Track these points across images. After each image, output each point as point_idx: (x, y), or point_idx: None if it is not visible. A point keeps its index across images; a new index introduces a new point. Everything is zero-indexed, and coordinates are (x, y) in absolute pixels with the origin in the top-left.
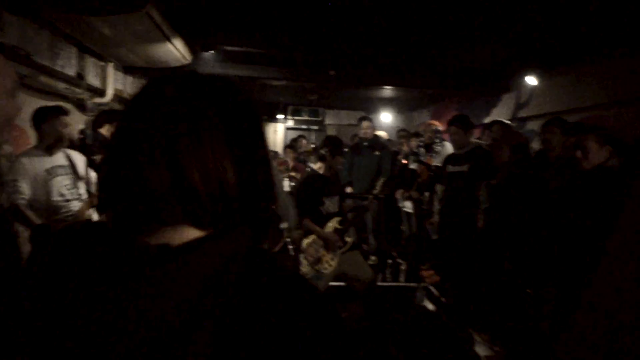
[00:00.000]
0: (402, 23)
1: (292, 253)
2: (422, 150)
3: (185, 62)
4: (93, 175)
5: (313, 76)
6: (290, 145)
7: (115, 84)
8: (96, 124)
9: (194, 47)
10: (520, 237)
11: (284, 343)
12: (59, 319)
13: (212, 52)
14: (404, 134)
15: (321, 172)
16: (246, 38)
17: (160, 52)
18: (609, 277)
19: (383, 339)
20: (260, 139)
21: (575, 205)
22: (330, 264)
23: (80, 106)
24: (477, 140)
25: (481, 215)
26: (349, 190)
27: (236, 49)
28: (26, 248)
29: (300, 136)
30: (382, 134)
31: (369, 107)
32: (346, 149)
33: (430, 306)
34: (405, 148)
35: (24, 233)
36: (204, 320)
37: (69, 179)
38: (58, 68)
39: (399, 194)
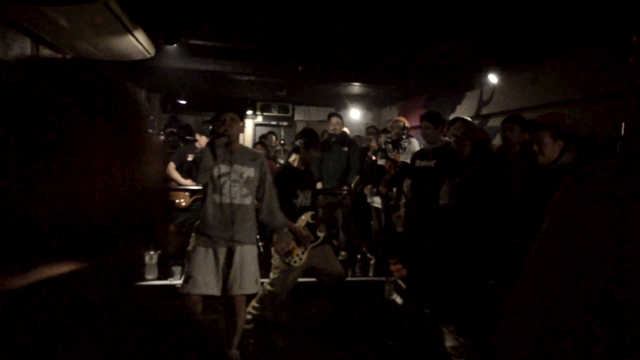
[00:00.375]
0: (369, 21)
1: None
2: (389, 146)
3: (148, 55)
4: None
5: (281, 71)
6: (260, 142)
7: None
8: None
9: (157, 40)
10: (483, 231)
11: None
12: None
13: (176, 45)
14: (372, 130)
15: (295, 164)
16: (211, 32)
17: (121, 44)
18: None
19: (351, 333)
20: (142, 153)
21: (533, 200)
22: (300, 257)
23: None
24: (447, 139)
25: (439, 210)
26: (319, 186)
27: (201, 42)
28: None
29: (270, 132)
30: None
31: (338, 104)
32: None
33: (398, 300)
34: (374, 144)
35: None
36: None
37: None
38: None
39: (367, 189)
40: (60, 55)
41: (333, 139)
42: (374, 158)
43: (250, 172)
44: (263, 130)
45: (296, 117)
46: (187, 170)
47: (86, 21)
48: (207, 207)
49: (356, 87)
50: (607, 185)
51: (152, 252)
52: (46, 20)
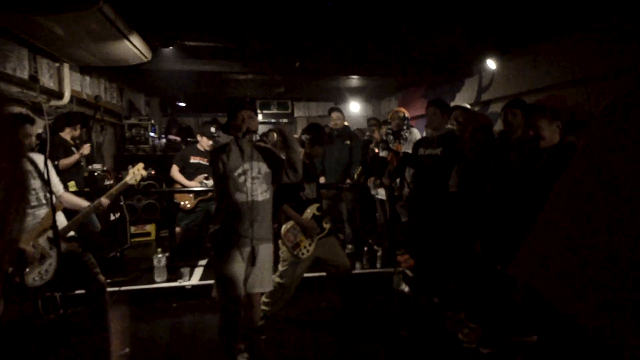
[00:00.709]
0: (364, 13)
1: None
2: (390, 137)
3: (145, 59)
4: (56, 180)
5: (278, 68)
6: (261, 139)
7: (73, 85)
8: (56, 127)
9: (153, 43)
10: (488, 216)
11: None
12: None
13: (173, 48)
14: (374, 122)
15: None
16: (206, 33)
17: (118, 50)
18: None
19: (362, 326)
20: None
21: (537, 183)
22: (308, 249)
23: (37, 110)
24: (450, 126)
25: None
26: (322, 180)
27: (197, 44)
28: None
29: (270, 130)
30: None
31: (337, 98)
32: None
33: (407, 290)
34: (377, 136)
35: None
36: None
37: (35, 184)
38: (9, 71)
39: (370, 182)
40: (57, 65)
41: (335, 133)
42: (376, 150)
43: (266, 167)
44: (263, 128)
45: (296, 114)
46: (213, 174)
47: (81, 28)
48: (229, 208)
49: (354, 80)
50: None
51: (160, 255)
52: (42, 29)
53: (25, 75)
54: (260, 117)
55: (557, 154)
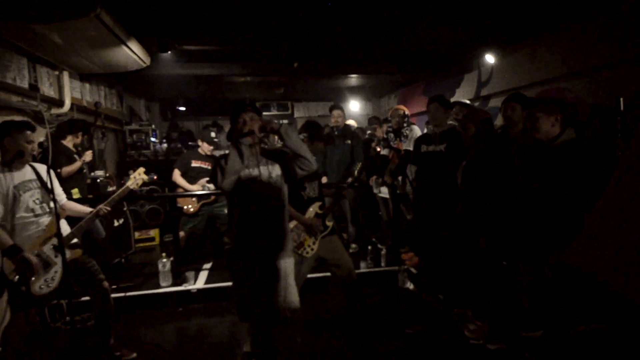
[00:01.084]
0: (361, 11)
1: None
2: (391, 135)
3: (144, 64)
4: (59, 189)
5: (277, 70)
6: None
7: (73, 92)
8: (58, 135)
9: (151, 48)
10: (492, 211)
11: None
12: None
13: (171, 52)
14: (375, 120)
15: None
16: (204, 36)
17: (117, 56)
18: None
19: (368, 325)
20: None
21: (539, 178)
22: (312, 247)
23: (38, 119)
24: (452, 122)
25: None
26: (324, 180)
27: (195, 48)
28: None
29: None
30: (351, 122)
31: (337, 97)
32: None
33: (412, 288)
34: (379, 134)
35: None
36: None
37: (38, 193)
38: (9, 81)
39: (372, 180)
40: (57, 73)
41: (336, 132)
42: (378, 149)
43: (277, 169)
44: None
45: (296, 114)
46: (211, 176)
47: (80, 36)
48: (240, 218)
49: (353, 79)
50: None
51: (164, 260)
52: (40, 38)
53: (25, 84)
54: None
55: (557, 147)
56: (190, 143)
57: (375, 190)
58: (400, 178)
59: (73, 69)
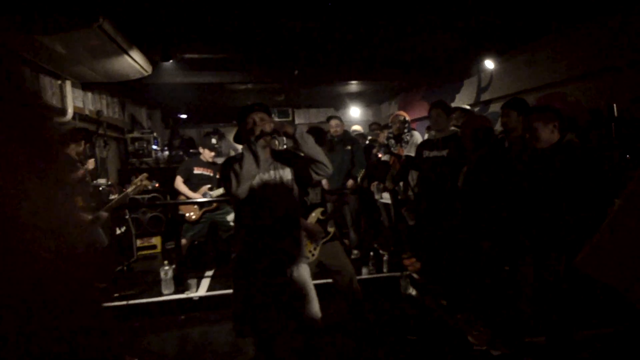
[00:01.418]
0: (361, 18)
1: None
2: (392, 141)
3: (145, 73)
4: None
5: (277, 77)
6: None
7: (75, 101)
8: (61, 144)
9: (153, 57)
10: (494, 216)
11: None
12: None
13: (172, 61)
14: (375, 126)
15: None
16: (205, 45)
17: (118, 65)
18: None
19: (370, 331)
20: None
21: (538, 183)
22: (313, 253)
23: None
24: (454, 128)
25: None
26: (325, 186)
27: (197, 56)
28: None
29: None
30: (357, 127)
31: (337, 103)
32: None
33: (415, 293)
34: (382, 139)
35: None
36: None
37: None
38: None
39: (374, 186)
40: (59, 82)
41: (335, 139)
42: (379, 155)
43: (288, 173)
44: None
45: (297, 121)
46: (221, 181)
47: (82, 45)
48: (249, 227)
49: (354, 85)
50: None
51: (166, 267)
52: (43, 48)
53: None
54: None
55: (556, 153)
56: (191, 150)
57: (376, 196)
58: (401, 184)
59: (75, 78)
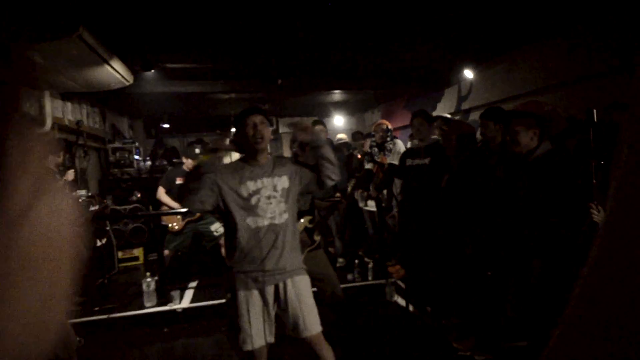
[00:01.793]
0: (344, 29)
1: None
2: (375, 149)
3: (127, 83)
4: None
5: (261, 86)
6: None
7: (54, 112)
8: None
9: (134, 67)
10: (476, 222)
11: None
12: None
13: (154, 71)
14: (359, 135)
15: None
16: (187, 55)
17: (99, 75)
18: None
19: (356, 339)
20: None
21: (519, 189)
22: None
23: None
24: (436, 136)
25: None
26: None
27: (178, 65)
28: None
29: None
30: (342, 136)
31: (321, 112)
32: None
33: (400, 301)
34: (366, 148)
35: None
36: None
37: None
38: None
39: (358, 194)
40: (37, 92)
41: None
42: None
43: (284, 182)
44: None
45: (281, 130)
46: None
47: (62, 55)
48: (239, 238)
49: (337, 94)
50: None
51: (149, 279)
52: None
53: None
54: None
55: (535, 161)
56: (174, 160)
57: (361, 204)
58: (385, 191)
59: (54, 88)
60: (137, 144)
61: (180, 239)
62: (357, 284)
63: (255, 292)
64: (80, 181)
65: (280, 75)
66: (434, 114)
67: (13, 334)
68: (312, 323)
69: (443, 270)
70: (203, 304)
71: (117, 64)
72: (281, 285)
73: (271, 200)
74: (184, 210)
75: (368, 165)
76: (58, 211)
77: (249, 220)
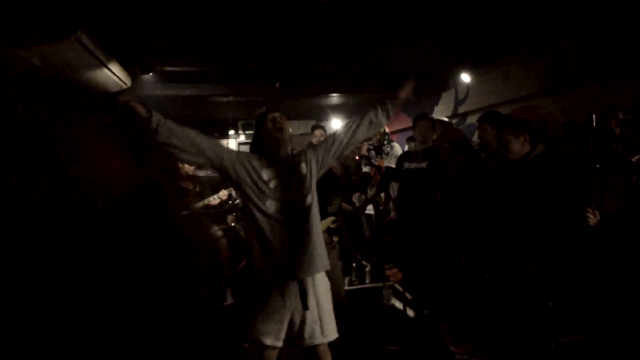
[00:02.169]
0: (342, 32)
1: None
2: (372, 153)
3: (125, 86)
4: None
5: (259, 90)
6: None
7: None
8: None
9: (133, 70)
10: (473, 226)
11: None
12: None
13: (152, 74)
14: None
15: (334, 171)
16: (186, 58)
17: (97, 78)
18: None
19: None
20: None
21: (515, 192)
22: None
23: None
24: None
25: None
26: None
27: (177, 69)
28: None
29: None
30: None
31: (319, 116)
32: None
33: (397, 304)
34: (364, 151)
35: None
36: None
37: None
38: None
39: (355, 197)
40: None
41: None
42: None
43: (302, 168)
44: (247, 149)
45: None
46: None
47: (59, 58)
48: (260, 225)
49: (335, 98)
50: None
51: None
52: (19, 60)
53: None
54: (243, 138)
55: (529, 165)
56: None
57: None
58: (382, 195)
59: None
60: None
61: None
62: (355, 287)
63: (274, 291)
64: None
65: (278, 78)
66: (433, 117)
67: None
68: (329, 330)
69: (440, 274)
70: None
71: (115, 67)
72: (305, 282)
73: (290, 185)
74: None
75: (365, 169)
76: None
77: (268, 205)
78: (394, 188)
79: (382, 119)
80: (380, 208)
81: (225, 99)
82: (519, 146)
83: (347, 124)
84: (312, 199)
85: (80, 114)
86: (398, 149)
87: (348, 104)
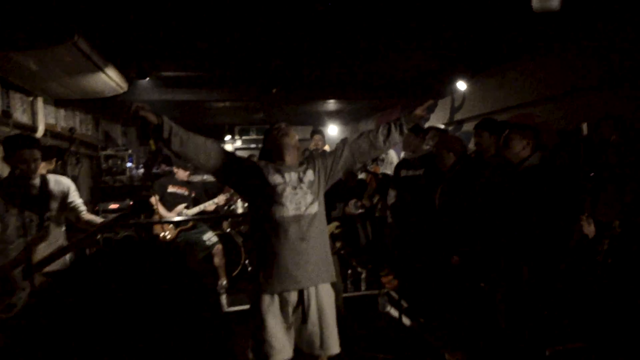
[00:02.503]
0: (338, 38)
1: None
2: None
3: (121, 90)
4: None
5: (256, 95)
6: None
7: (47, 118)
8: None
9: (129, 75)
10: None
11: None
12: None
13: (149, 78)
14: None
15: None
16: (182, 63)
17: (93, 82)
18: None
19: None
20: None
21: (511, 199)
22: None
23: None
24: (428, 147)
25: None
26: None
27: (173, 74)
28: None
29: (250, 155)
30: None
31: (316, 121)
32: None
33: (393, 311)
34: None
35: None
36: None
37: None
38: None
39: (351, 204)
40: (30, 99)
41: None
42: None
43: (310, 175)
44: (244, 155)
45: None
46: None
47: (56, 62)
48: (265, 231)
49: (332, 104)
50: None
51: None
52: (15, 64)
53: None
54: (239, 144)
55: (526, 173)
56: (167, 168)
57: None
58: (378, 200)
59: (48, 95)
60: (130, 151)
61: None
62: (350, 294)
63: (276, 298)
64: None
65: (274, 84)
66: (427, 124)
67: None
68: (330, 343)
69: (436, 281)
70: None
71: (112, 72)
72: (306, 293)
73: (296, 191)
74: (177, 219)
75: (361, 175)
76: None
77: (276, 209)
78: (390, 195)
79: (396, 135)
80: (376, 215)
81: (222, 104)
82: (520, 148)
83: (359, 137)
84: (320, 206)
85: None
86: (393, 155)
87: (344, 110)
